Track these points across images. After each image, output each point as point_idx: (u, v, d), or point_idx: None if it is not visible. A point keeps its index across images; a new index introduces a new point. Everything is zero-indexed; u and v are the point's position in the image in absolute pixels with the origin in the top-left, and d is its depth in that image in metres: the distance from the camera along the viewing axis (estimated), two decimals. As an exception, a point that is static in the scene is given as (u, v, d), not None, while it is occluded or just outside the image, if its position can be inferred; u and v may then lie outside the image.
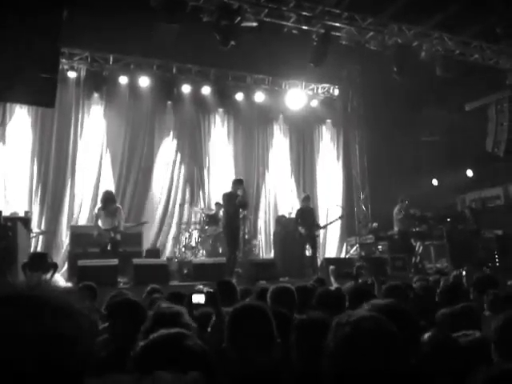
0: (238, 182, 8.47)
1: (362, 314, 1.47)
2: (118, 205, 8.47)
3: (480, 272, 6.07)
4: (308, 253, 10.65)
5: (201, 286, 3.74)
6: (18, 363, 0.77)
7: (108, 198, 8.21)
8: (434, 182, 12.82)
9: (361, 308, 1.81)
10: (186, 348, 1.33)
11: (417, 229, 10.56)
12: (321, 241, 12.10)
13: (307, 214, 9.60)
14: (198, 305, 3.08)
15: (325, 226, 11.08)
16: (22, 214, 9.14)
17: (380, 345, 1.35)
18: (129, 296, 3.47)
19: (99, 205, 8.41)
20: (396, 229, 10.32)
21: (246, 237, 10.33)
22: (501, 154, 10.93)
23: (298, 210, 9.87)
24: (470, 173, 12.38)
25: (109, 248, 8.00)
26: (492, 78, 10.81)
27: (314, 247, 9.53)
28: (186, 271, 8.84)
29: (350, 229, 12.65)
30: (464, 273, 5.47)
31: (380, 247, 11.13)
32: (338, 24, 9.24)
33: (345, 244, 12.49)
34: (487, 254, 9.74)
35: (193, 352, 1.33)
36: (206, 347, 1.40)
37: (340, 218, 10.86)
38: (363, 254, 11.28)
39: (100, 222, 8.09)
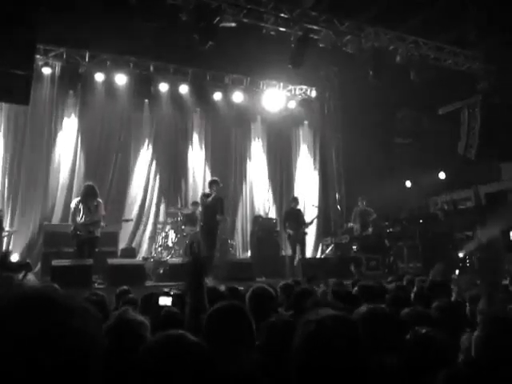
0: (212, 183, 8.64)
1: (329, 313, 1.52)
2: (99, 199, 8.09)
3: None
4: (284, 253, 10.81)
5: (167, 289, 3.71)
6: (38, 361, 0.81)
7: (89, 192, 7.86)
8: (408, 183, 13.05)
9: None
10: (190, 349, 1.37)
11: (390, 229, 10.80)
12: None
13: (295, 216, 10.08)
14: (165, 307, 3.08)
15: (309, 224, 11.18)
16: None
17: (340, 343, 1.41)
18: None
19: (78, 198, 8.07)
20: (370, 229, 10.52)
21: (223, 236, 10.34)
22: (472, 157, 11.21)
23: (285, 213, 10.44)
24: (442, 175, 12.65)
25: (85, 247, 7.71)
26: (465, 83, 11.08)
27: (303, 247, 9.96)
28: (161, 271, 8.79)
29: (325, 229, 12.77)
30: None
31: (355, 247, 11.28)
32: (315, 27, 9.31)
33: (321, 244, 12.60)
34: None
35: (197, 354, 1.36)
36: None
37: (317, 217, 11.03)
38: (339, 253, 11.42)
39: (78, 218, 7.74)
